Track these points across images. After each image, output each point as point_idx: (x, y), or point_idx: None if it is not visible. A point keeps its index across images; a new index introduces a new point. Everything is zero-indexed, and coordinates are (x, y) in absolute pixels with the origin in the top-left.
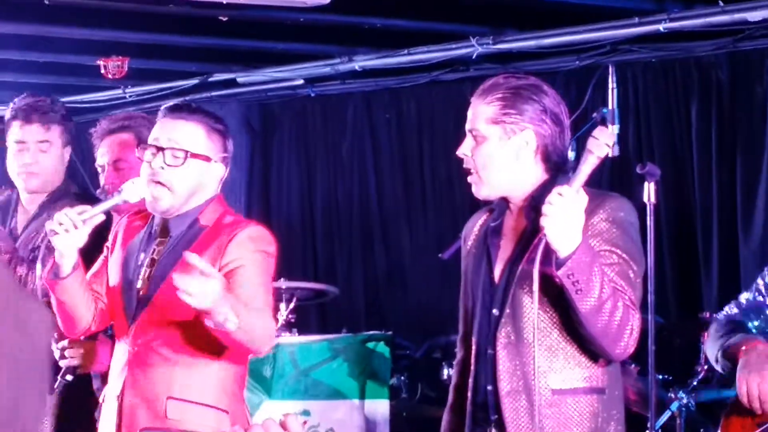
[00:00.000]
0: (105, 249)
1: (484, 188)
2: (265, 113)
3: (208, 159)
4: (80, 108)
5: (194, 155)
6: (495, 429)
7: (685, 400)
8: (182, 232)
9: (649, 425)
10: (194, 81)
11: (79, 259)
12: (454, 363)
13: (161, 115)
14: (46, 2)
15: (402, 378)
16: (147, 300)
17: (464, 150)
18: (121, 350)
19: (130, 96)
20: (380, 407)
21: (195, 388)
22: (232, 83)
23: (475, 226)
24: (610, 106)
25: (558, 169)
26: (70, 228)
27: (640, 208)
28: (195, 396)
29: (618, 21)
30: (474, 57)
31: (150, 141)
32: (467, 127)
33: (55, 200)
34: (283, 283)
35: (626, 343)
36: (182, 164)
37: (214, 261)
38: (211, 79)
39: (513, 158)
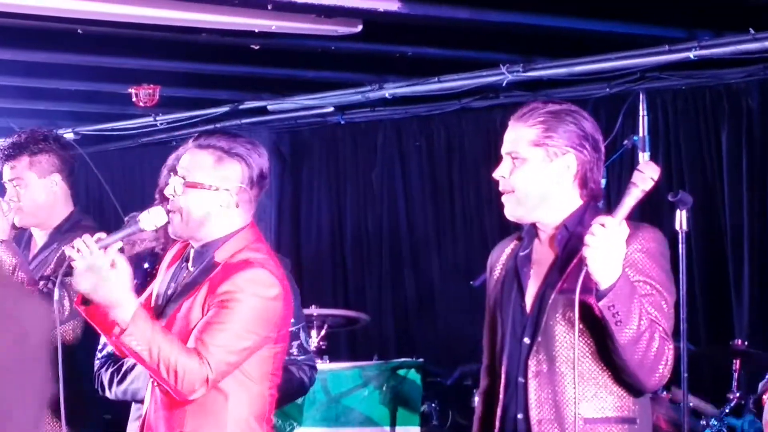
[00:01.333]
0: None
1: (519, 209)
2: (295, 140)
3: (208, 187)
4: (111, 136)
5: (190, 184)
6: None
7: (716, 428)
8: (199, 267)
9: None
10: (225, 108)
11: None
12: (477, 393)
13: None
14: (79, 31)
15: (433, 405)
16: None
17: (502, 172)
18: (151, 383)
19: (161, 124)
20: None
21: (207, 425)
22: (262, 111)
23: (502, 254)
24: (640, 134)
25: (592, 197)
26: (86, 253)
27: (671, 236)
28: None
29: (648, 48)
30: (504, 84)
31: None
32: (505, 149)
33: (65, 231)
34: (314, 310)
35: (661, 374)
36: (182, 192)
37: (205, 301)
38: (241, 107)
39: (554, 182)
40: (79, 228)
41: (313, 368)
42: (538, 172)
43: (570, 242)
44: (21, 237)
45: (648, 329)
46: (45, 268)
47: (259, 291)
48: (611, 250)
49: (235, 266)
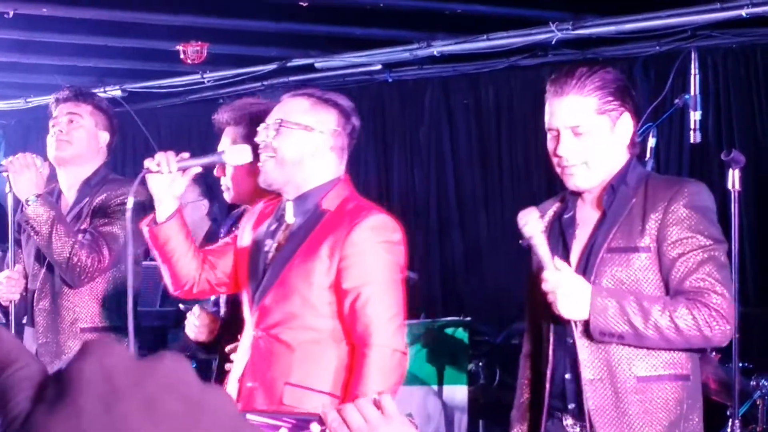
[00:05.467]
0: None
1: (591, 179)
2: None
3: (307, 128)
4: (158, 93)
5: (286, 125)
6: (571, 418)
7: (767, 389)
8: (305, 217)
9: (729, 413)
10: (272, 66)
11: (179, 212)
12: (521, 357)
13: None
14: None
15: (480, 364)
16: (269, 286)
17: (568, 148)
18: (247, 335)
19: (208, 81)
20: (458, 393)
21: (312, 375)
22: (309, 68)
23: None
24: (692, 92)
25: (634, 153)
26: (164, 169)
27: (721, 195)
28: (312, 383)
29: (700, 6)
30: (553, 42)
31: None
32: (564, 123)
33: (94, 185)
34: None
35: (719, 332)
36: (278, 133)
37: (333, 251)
38: (289, 65)
39: (620, 146)
40: (108, 182)
41: None
42: (608, 141)
43: (615, 201)
44: (52, 193)
45: (663, 316)
46: (81, 222)
47: (390, 237)
48: (569, 292)
49: (354, 213)
